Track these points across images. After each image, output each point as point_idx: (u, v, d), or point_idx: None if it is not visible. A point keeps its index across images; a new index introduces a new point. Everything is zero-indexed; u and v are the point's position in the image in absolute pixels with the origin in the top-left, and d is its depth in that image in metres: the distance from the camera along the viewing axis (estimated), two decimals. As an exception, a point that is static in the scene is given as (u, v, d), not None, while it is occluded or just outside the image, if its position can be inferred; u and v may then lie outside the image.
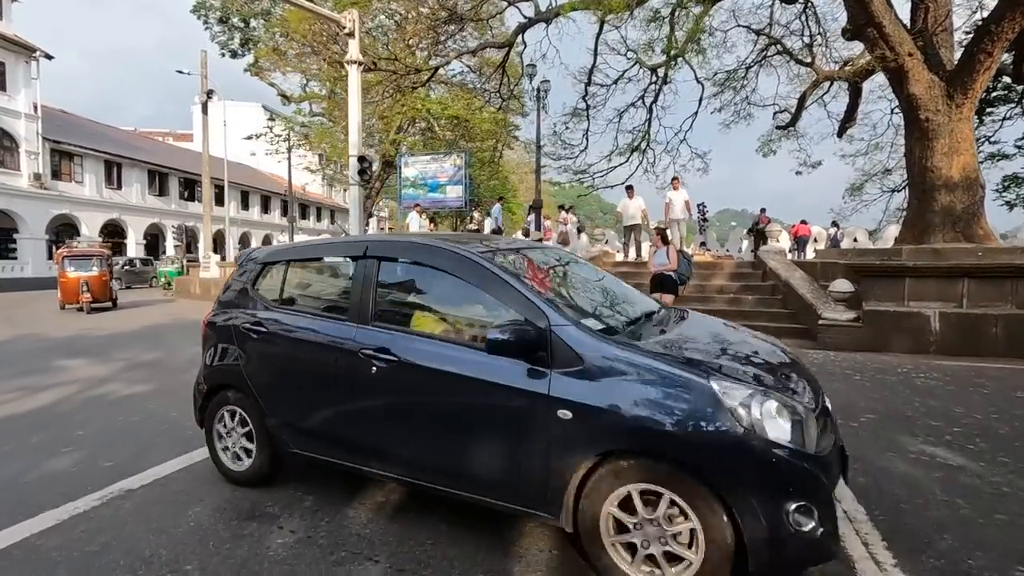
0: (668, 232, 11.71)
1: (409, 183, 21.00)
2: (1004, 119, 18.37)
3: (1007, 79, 16.50)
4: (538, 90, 13.96)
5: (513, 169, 42.55)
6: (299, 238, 27.48)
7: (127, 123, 60.84)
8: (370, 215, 42.96)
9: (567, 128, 18.83)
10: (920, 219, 9.68)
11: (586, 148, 18.88)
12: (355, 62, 11.58)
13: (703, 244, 18.30)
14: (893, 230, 17.66)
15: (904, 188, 19.97)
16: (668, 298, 7.77)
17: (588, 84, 17.01)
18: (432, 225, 20.35)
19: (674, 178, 13.02)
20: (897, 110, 18.04)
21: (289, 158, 26.99)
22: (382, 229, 33.03)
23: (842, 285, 7.70)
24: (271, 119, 30.42)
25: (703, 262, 12.89)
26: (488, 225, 16.09)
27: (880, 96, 18.74)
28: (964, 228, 9.21)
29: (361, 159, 11.40)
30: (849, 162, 20.24)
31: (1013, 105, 18.01)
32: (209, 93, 22.67)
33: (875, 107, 18.29)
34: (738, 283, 10.95)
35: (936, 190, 9.43)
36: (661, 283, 7.91)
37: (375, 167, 36.46)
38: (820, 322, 7.66)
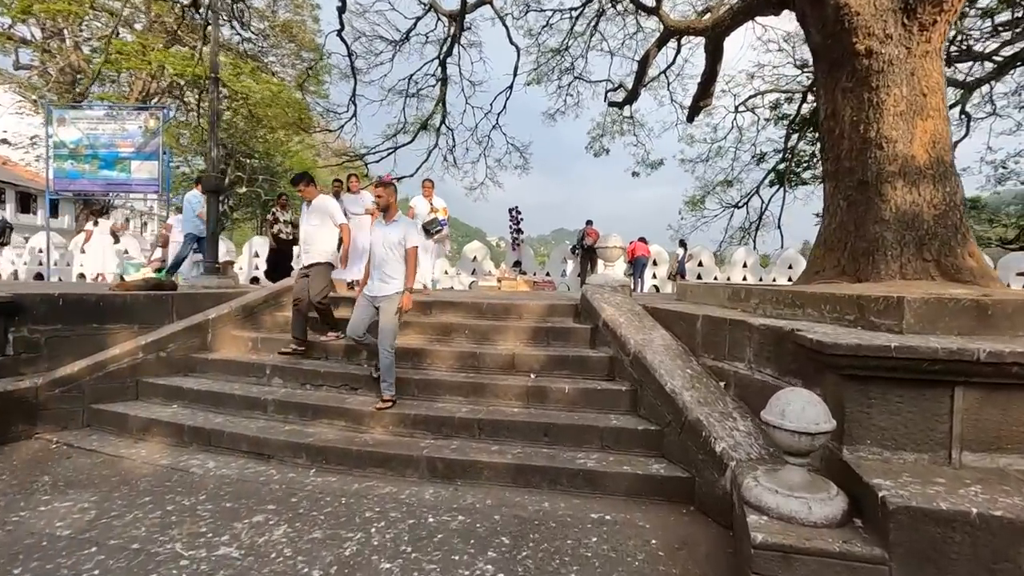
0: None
1: (67, 152, 12.81)
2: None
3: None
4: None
5: (318, 160, 35.64)
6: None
7: None
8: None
9: (321, 83, 12.70)
10: (856, 234, 5.30)
11: (354, 116, 12.92)
12: None
13: (517, 264, 13.29)
14: (742, 253, 14.37)
15: (745, 204, 17.16)
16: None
17: (343, 10, 11.05)
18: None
19: (425, 181, 8.80)
20: (744, 107, 15.00)
21: None
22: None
23: (807, 412, 2.58)
24: None
25: (502, 296, 7.54)
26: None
27: (724, 90, 15.71)
28: (942, 253, 4.95)
29: None
30: (689, 168, 17.07)
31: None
32: None
33: (717, 103, 14.84)
34: (547, 349, 5.63)
35: (887, 181, 5.07)
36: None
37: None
38: (757, 539, 2.42)
